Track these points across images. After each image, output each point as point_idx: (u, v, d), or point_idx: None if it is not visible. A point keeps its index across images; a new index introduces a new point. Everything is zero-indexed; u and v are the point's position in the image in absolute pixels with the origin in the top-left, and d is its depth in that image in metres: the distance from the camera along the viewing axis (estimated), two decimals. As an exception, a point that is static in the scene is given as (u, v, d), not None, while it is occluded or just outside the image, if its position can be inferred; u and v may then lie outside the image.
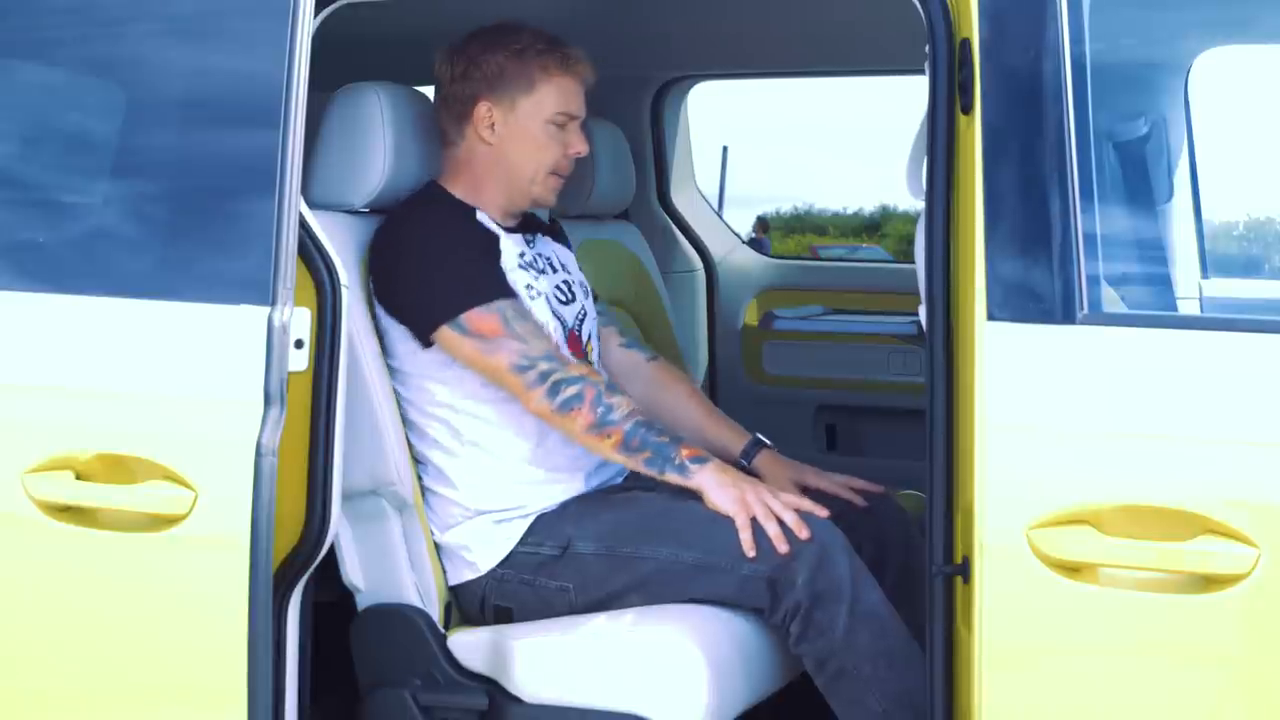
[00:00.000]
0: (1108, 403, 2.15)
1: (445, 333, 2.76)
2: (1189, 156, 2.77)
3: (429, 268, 2.78)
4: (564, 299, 3.01)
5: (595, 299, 3.19)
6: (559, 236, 3.21)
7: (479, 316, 2.75)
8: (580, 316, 3.04)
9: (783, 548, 2.61)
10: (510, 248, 2.94)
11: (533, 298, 2.90)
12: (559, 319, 2.95)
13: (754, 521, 2.70)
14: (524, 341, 2.75)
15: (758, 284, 4.25)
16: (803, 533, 2.63)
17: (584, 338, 3.03)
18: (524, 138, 2.92)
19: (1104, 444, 2.14)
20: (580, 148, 2.97)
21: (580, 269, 3.18)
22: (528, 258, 2.97)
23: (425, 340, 2.79)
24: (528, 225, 3.08)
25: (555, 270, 3.05)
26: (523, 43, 2.92)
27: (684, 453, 2.74)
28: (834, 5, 3.49)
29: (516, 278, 2.89)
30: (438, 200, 2.93)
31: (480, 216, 2.93)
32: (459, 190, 2.96)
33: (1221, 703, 2.12)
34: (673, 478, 2.73)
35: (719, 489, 2.71)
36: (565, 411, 2.72)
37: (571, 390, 2.72)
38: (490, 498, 2.83)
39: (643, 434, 2.72)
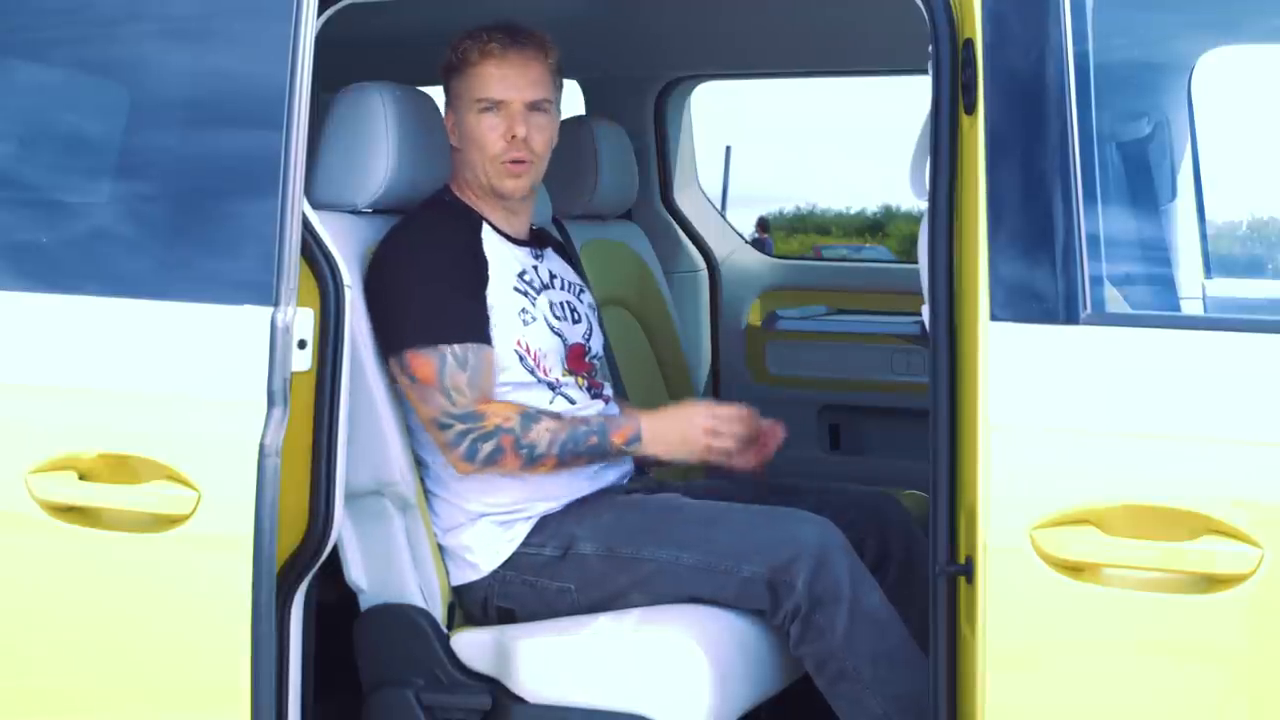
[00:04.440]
0: (1111, 403, 2.15)
1: (392, 364, 2.77)
2: (1192, 157, 2.77)
3: (400, 293, 2.77)
4: (565, 318, 2.98)
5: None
6: (567, 255, 3.19)
7: (419, 358, 2.73)
8: (586, 335, 3.03)
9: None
10: (510, 266, 2.91)
11: (527, 323, 2.87)
12: (559, 336, 2.93)
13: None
14: (449, 397, 2.72)
15: (761, 284, 4.25)
16: (757, 424, 2.84)
17: (590, 350, 3.02)
18: (466, 133, 2.91)
19: (1107, 444, 2.14)
20: (516, 129, 2.86)
21: (585, 273, 3.17)
22: (529, 276, 2.94)
23: (385, 360, 2.80)
24: (540, 240, 3.06)
25: (563, 288, 3.04)
26: (456, 40, 2.91)
27: (617, 440, 2.78)
28: (837, 6, 3.49)
29: (510, 302, 2.86)
30: (447, 210, 2.92)
31: (486, 231, 2.92)
32: (464, 195, 2.96)
33: (1225, 702, 2.12)
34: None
35: (666, 451, 2.81)
36: (490, 464, 2.74)
37: (489, 446, 2.72)
38: (492, 500, 2.83)
39: (572, 448, 2.75)
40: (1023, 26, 2.23)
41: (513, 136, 2.88)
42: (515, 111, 2.89)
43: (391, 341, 2.76)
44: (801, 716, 2.85)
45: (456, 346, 2.74)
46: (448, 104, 2.95)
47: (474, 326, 2.79)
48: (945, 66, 2.26)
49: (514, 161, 2.90)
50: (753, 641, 2.71)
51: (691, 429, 2.79)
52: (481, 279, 2.85)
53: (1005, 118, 2.22)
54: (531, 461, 2.75)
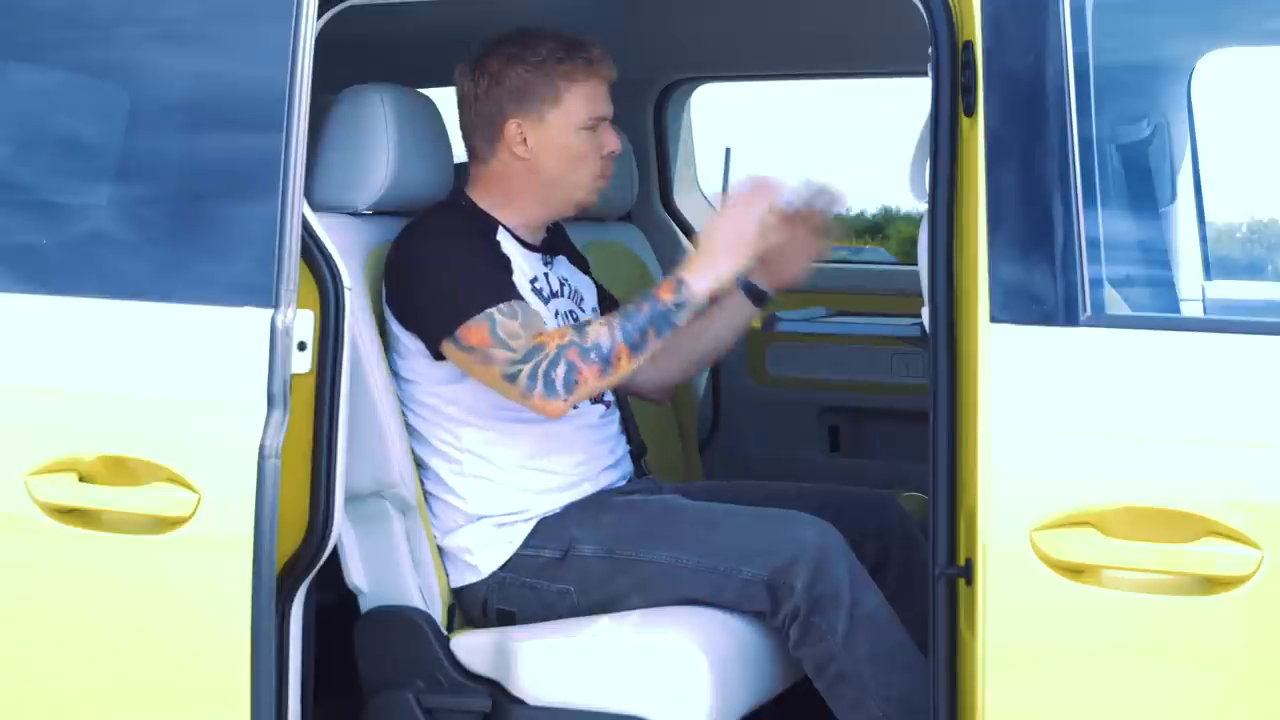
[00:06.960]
0: (1110, 405, 2.15)
1: (447, 347, 2.75)
2: (1192, 159, 2.77)
3: (435, 281, 2.75)
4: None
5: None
6: (579, 260, 3.18)
7: (469, 328, 2.70)
8: None
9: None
10: (524, 271, 2.90)
11: None
12: None
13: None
14: (509, 346, 2.67)
15: None
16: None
17: None
18: (558, 149, 2.88)
19: (1107, 446, 2.14)
20: (614, 145, 2.91)
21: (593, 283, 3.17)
22: (540, 283, 2.94)
23: (435, 354, 2.78)
24: (551, 246, 3.05)
25: (569, 295, 3.02)
26: (542, 53, 2.86)
27: (666, 297, 2.66)
28: (837, 7, 3.49)
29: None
30: (460, 211, 2.91)
31: (501, 234, 2.91)
32: (486, 203, 2.94)
33: (1225, 704, 2.12)
34: (688, 315, 2.68)
35: (717, 274, 2.68)
36: (574, 389, 2.65)
37: (561, 370, 2.63)
38: (491, 503, 2.83)
39: (634, 328, 2.65)
40: (1022, 28, 2.23)
41: (610, 151, 2.91)
42: (609, 126, 2.92)
43: (440, 327, 2.73)
44: (801, 719, 2.85)
45: (501, 305, 2.70)
46: (514, 119, 2.87)
47: (512, 291, 2.77)
48: (945, 68, 2.26)
49: (606, 176, 2.94)
50: (752, 644, 2.71)
51: (725, 235, 2.68)
52: (506, 269, 2.85)
53: (1005, 120, 2.22)
54: (607, 363, 2.64)
